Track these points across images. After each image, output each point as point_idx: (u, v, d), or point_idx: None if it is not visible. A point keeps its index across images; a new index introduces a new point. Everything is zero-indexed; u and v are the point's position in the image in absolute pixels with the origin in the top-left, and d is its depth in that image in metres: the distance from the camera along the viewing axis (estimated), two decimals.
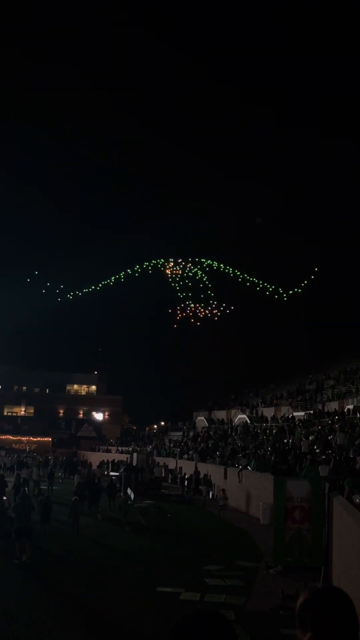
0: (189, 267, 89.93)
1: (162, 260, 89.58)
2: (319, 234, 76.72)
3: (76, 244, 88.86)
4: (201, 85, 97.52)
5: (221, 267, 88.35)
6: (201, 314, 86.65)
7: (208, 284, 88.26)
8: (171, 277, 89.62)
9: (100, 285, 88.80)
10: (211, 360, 78.13)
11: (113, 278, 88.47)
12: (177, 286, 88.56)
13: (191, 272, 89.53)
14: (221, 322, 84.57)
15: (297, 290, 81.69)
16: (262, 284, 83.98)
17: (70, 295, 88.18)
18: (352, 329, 61.08)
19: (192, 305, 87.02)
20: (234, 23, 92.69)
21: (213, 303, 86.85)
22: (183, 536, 21.28)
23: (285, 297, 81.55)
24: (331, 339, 64.39)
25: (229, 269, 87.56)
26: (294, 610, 2.18)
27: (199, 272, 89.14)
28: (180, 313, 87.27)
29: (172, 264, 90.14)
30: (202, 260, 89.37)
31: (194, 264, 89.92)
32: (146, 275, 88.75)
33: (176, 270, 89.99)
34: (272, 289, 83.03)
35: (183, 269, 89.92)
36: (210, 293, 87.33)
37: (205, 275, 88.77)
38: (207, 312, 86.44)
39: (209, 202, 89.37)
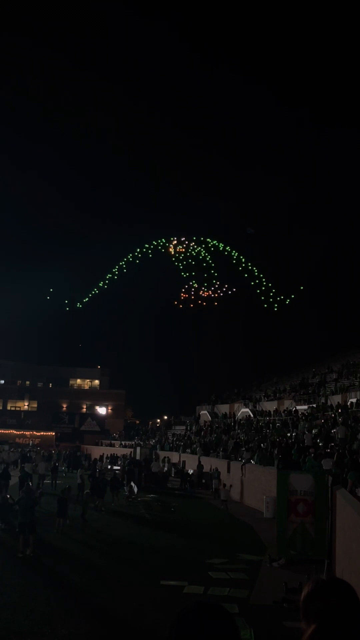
0: (192, 245, 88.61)
1: (164, 241, 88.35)
2: (324, 227, 76.61)
3: (79, 239, 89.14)
4: (206, 73, 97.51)
5: (227, 250, 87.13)
6: (205, 294, 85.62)
7: (212, 263, 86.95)
8: (174, 256, 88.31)
9: (107, 279, 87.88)
10: (214, 355, 78.19)
11: (116, 268, 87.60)
12: (181, 265, 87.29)
13: (194, 252, 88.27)
14: (224, 312, 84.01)
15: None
16: (262, 279, 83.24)
17: (72, 302, 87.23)
18: (355, 323, 61.08)
19: (196, 284, 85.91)
20: (245, 11, 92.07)
21: (216, 283, 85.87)
22: (187, 530, 21.32)
23: (285, 299, 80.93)
24: (334, 332, 64.42)
25: (234, 253, 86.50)
26: (297, 603, 2.17)
27: (203, 252, 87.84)
28: (184, 293, 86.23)
29: (175, 242, 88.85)
30: (208, 240, 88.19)
31: (198, 243, 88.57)
32: (147, 259, 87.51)
33: (180, 248, 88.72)
34: (270, 285, 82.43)
35: (186, 248, 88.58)
36: (214, 272, 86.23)
37: (208, 255, 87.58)
38: (210, 292, 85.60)
39: (213, 191, 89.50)
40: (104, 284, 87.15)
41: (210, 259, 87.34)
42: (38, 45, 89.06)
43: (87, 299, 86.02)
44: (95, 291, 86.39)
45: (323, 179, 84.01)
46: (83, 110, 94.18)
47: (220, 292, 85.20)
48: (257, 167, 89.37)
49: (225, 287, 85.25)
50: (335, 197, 79.13)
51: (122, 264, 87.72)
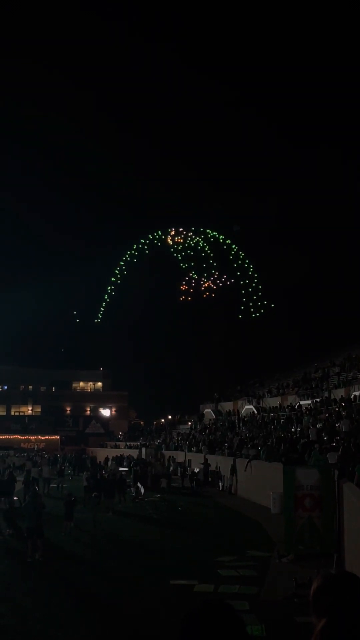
0: (191, 235, 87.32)
1: (160, 233, 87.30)
2: (324, 224, 76.55)
3: (78, 242, 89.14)
4: (195, 87, 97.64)
5: (227, 242, 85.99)
6: (204, 285, 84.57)
7: (210, 253, 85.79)
8: (172, 247, 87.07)
9: (112, 282, 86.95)
10: (216, 353, 78.08)
11: (117, 270, 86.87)
12: (179, 256, 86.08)
13: (193, 242, 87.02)
14: (224, 307, 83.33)
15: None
16: (255, 278, 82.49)
17: (86, 314, 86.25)
18: (356, 315, 60.99)
19: (195, 275, 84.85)
20: (236, 38, 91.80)
21: (215, 273, 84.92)
22: (194, 528, 21.32)
23: (267, 305, 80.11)
24: (335, 325, 64.33)
25: (234, 247, 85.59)
26: (307, 597, 2.17)
27: (201, 242, 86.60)
28: (184, 285, 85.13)
29: (173, 232, 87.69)
30: (208, 231, 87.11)
31: (197, 234, 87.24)
32: (144, 256, 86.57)
33: (178, 239, 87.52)
34: (260, 287, 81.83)
35: (185, 238, 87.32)
36: (213, 262, 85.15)
37: (207, 245, 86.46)
38: (210, 282, 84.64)
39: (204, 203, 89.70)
40: (111, 290, 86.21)
41: (209, 249, 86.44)
42: (36, 61, 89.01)
43: (102, 309, 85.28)
44: (107, 299, 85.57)
45: (318, 180, 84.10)
46: (80, 122, 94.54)
47: (220, 283, 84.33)
48: (246, 182, 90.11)
49: (224, 278, 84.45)
50: (336, 196, 79.17)
51: (122, 264, 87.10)
